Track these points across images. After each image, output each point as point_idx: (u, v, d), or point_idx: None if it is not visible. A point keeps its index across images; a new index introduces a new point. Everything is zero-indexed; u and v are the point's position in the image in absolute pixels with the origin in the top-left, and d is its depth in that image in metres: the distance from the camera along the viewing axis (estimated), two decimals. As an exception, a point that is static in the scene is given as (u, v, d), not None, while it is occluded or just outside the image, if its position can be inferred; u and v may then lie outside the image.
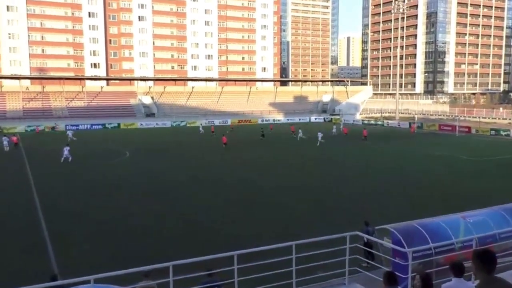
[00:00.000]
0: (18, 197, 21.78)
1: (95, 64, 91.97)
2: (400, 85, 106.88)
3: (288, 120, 75.41)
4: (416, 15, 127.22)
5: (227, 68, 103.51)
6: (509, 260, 8.58)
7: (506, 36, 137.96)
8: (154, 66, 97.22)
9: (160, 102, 77.19)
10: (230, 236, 15.41)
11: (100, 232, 16.05)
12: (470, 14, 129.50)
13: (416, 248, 8.40)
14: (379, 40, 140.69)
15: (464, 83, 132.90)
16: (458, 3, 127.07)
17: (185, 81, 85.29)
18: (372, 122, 72.18)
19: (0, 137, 40.53)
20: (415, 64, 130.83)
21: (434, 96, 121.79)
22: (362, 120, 75.25)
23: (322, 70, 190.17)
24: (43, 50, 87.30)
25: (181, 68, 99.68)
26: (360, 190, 22.90)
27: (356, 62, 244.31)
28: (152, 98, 77.05)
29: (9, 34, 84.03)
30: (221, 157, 35.05)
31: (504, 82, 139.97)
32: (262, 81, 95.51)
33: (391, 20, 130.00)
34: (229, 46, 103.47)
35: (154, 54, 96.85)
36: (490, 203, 13.21)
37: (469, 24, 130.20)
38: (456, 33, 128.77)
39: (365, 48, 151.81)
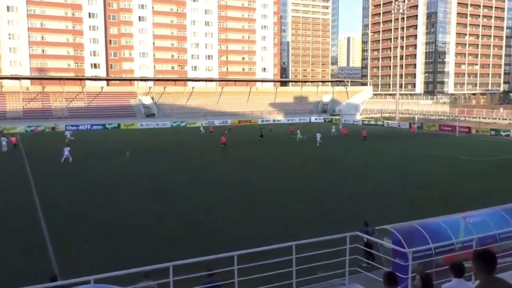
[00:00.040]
0: (18, 197, 21.78)
1: (95, 65, 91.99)
2: (400, 86, 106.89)
3: (288, 120, 75.42)
4: (416, 16, 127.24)
5: (227, 68, 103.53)
6: (509, 261, 8.57)
7: (506, 36, 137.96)
8: (154, 66, 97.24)
9: (160, 102, 77.20)
10: (230, 236, 15.41)
11: (100, 232, 16.05)
12: (470, 14, 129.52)
13: (416, 249, 8.40)
14: (379, 40, 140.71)
15: (464, 84, 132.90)
16: (458, 3, 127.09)
17: (185, 82, 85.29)
18: (372, 122, 72.17)
19: None
20: (415, 65, 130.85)
21: (434, 97, 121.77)
22: (362, 120, 75.23)
23: (322, 70, 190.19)
24: (43, 50, 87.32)
25: (181, 68, 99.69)
26: (360, 190, 22.90)
27: (356, 62, 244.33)
28: (152, 98, 77.07)
29: (9, 34, 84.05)
30: (221, 157, 35.07)
31: (504, 82, 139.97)
32: (262, 81, 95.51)
33: (391, 21, 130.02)
34: (229, 47, 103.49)
35: (154, 54, 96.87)
36: (490, 203, 13.21)
37: (469, 24, 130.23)
38: (456, 33, 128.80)
39: (365, 48, 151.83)
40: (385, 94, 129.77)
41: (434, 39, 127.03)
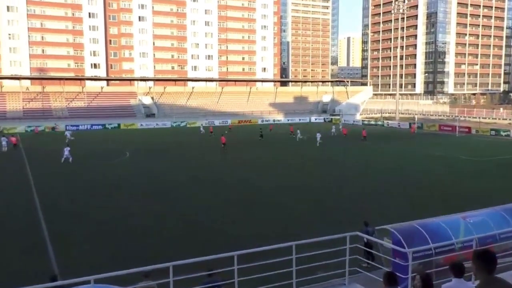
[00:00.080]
0: (18, 197, 21.78)
1: (95, 65, 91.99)
2: (400, 86, 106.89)
3: (288, 120, 75.41)
4: (416, 16, 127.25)
5: (227, 68, 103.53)
6: (510, 261, 8.57)
7: (506, 36, 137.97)
8: (154, 66, 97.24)
9: (160, 102, 77.20)
10: (230, 236, 15.42)
11: (100, 232, 16.05)
12: (470, 15, 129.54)
13: (416, 249, 8.40)
14: (379, 40, 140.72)
15: (464, 84, 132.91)
16: (458, 3, 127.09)
17: (185, 82, 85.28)
18: (372, 122, 72.17)
19: None
20: (415, 65, 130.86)
21: (434, 97, 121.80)
22: (362, 120, 75.21)
23: (322, 70, 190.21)
24: (43, 50, 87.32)
25: (181, 68, 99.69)
26: (360, 190, 22.90)
27: (356, 62, 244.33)
28: (152, 98, 77.07)
29: (9, 34, 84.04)
30: (221, 157, 35.07)
31: (504, 83, 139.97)
32: (262, 81, 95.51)
33: (391, 21, 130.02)
34: (229, 47, 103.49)
35: (154, 54, 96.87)
36: (490, 203, 13.21)
37: (469, 24, 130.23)
38: (456, 33, 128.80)
39: (365, 48, 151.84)
40: (385, 94, 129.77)
41: (434, 39, 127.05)
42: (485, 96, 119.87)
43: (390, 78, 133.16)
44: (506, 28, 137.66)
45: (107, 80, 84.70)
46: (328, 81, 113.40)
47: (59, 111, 68.38)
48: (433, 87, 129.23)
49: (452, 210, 12.92)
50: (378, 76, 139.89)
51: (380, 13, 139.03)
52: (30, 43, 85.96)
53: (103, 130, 62.36)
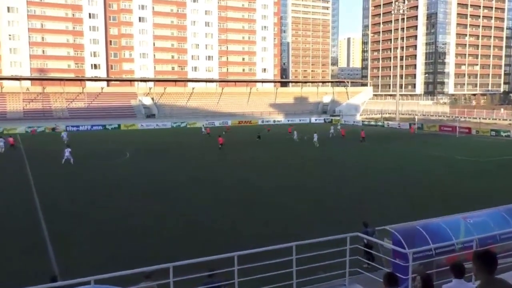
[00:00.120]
0: (18, 197, 21.77)
1: (95, 65, 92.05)
2: (400, 86, 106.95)
3: (288, 121, 75.41)
4: (416, 16, 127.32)
5: (227, 69, 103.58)
6: (510, 261, 8.56)
7: (506, 37, 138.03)
8: (155, 67, 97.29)
9: (160, 103, 77.23)
10: (230, 236, 15.41)
11: (100, 232, 16.05)
12: (470, 15, 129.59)
13: (416, 249, 8.39)
14: (379, 41, 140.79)
15: (464, 84, 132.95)
16: (458, 4, 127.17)
17: (186, 82, 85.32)
18: (373, 123, 72.16)
19: None
20: (415, 65, 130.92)
21: (435, 97, 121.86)
22: (362, 121, 75.20)
23: (323, 71, 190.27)
24: (43, 51, 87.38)
25: (182, 69, 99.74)
26: (360, 190, 22.90)
27: (356, 63, 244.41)
28: (153, 99, 77.10)
29: (10, 35, 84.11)
30: (221, 157, 35.06)
31: (505, 83, 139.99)
32: (262, 82, 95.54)
33: (391, 21, 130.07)
34: (229, 47, 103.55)
35: (154, 55, 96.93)
36: (490, 204, 13.21)
37: (469, 25, 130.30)
38: (456, 34, 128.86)
39: (365, 49, 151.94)
40: (385, 95, 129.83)
41: (434, 40, 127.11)
42: (485, 97, 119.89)
43: (390, 79, 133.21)
44: (506, 28, 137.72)
45: (108, 80, 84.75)
46: (328, 82, 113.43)
47: (59, 112, 68.41)
48: (433, 88, 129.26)
49: (452, 210, 12.91)
50: (378, 76, 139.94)
51: (380, 14, 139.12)
52: (31, 44, 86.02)
53: (104, 131, 62.37)
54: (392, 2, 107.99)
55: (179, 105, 77.61)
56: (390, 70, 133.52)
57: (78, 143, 42.70)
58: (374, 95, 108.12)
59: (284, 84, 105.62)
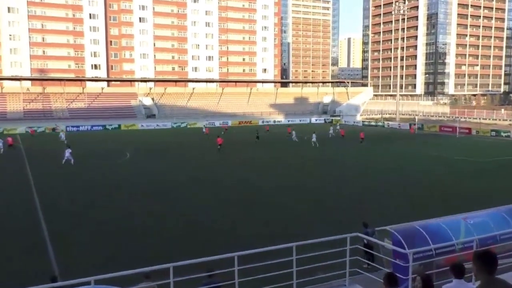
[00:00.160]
0: (18, 197, 21.78)
1: (95, 66, 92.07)
2: (401, 86, 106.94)
3: (288, 121, 75.38)
4: (417, 17, 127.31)
5: (227, 69, 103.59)
6: (510, 262, 8.55)
7: (507, 37, 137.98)
8: (155, 67, 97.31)
9: (160, 103, 77.24)
10: (230, 236, 15.41)
11: (100, 232, 16.05)
12: (471, 15, 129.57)
13: (416, 250, 8.38)
14: (379, 41, 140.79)
15: (464, 84, 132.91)
16: (458, 4, 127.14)
17: (186, 82, 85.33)
18: (373, 123, 72.16)
19: None
20: (415, 65, 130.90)
21: (435, 97, 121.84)
22: (362, 121, 75.19)
23: (323, 71, 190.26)
24: (43, 51, 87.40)
25: (182, 69, 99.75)
26: (360, 190, 22.90)
27: (357, 63, 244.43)
28: (153, 99, 77.11)
29: (10, 35, 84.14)
30: (221, 157, 35.04)
31: (505, 83, 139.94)
32: (262, 82, 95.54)
33: (391, 21, 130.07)
34: (229, 47, 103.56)
35: (154, 55, 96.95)
36: (490, 204, 13.20)
37: (470, 25, 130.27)
38: (457, 34, 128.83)
39: (365, 49, 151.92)
40: (385, 95, 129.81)
41: (434, 40, 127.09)
42: (485, 97, 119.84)
43: (390, 79, 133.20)
44: (507, 29, 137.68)
45: (108, 81, 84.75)
46: (329, 82, 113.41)
47: (59, 112, 68.43)
48: (433, 88, 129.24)
49: (452, 210, 12.91)
50: (379, 77, 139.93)
51: (380, 14, 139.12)
52: (31, 44, 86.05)
53: (104, 131, 62.38)
54: (392, 3, 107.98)
55: (179, 106, 77.61)
56: (390, 70, 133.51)
57: (78, 143, 42.67)
58: (374, 95, 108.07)
59: (284, 84, 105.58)
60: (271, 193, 22.48)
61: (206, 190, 23.15)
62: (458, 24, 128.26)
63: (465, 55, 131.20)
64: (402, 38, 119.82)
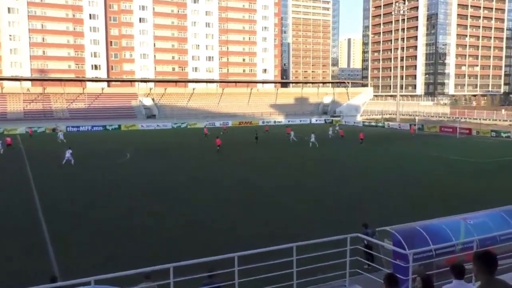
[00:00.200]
0: (18, 197, 21.78)
1: (96, 66, 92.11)
2: (401, 87, 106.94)
3: (288, 121, 75.37)
4: (417, 17, 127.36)
5: (227, 69, 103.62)
6: (510, 262, 8.55)
7: (507, 38, 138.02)
8: (155, 67, 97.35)
9: (161, 103, 77.26)
10: (230, 236, 15.41)
11: (100, 232, 16.04)
12: (471, 16, 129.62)
13: (416, 250, 8.38)
14: (379, 41, 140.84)
15: (464, 85, 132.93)
16: (458, 5, 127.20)
17: (186, 83, 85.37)
18: (373, 123, 72.16)
19: None
20: (415, 66, 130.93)
21: (435, 98, 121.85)
22: (362, 121, 75.18)
23: (323, 71, 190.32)
24: (44, 51, 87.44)
25: (182, 69, 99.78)
26: (360, 190, 22.90)
27: (357, 63, 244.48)
28: (153, 99, 77.13)
29: (10, 35, 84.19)
30: (221, 157, 35.04)
31: (505, 84, 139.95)
32: (263, 82, 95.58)
33: (391, 22, 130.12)
34: (230, 48, 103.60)
35: (155, 55, 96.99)
36: (490, 204, 13.20)
37: (470, 25, 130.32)
38: (457, 34, 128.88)
39: (365, 49, 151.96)
40: (385, 96, 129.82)
41: (434, 41, 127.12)
42: (485, 98, 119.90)
43: (390, 79, 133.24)
44: (507, 29, 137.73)
45: (108, 81, 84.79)
46: (329, 82, 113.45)
47: (59, 112, 68.45)
48: (433, 89, 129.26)
49: (452, 210, 12.91)
50: (379, 77, 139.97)
51: (380, 15, 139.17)
52: (31, 45, 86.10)
53: (104, 131, 62.38)
54: (392, 3, 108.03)
55: (179, 106, 77.63)
56: (390, 70, 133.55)
57: (79, 144, 42.67)
58: (374, 95, 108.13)
59: (284, 84, 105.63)
60: (271, 193, 22.48)
61: (206, 190, 23.14)
62: (458, 24, 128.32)
63: (465, 55, 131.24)
64: (402, 39, 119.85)
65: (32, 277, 11.03)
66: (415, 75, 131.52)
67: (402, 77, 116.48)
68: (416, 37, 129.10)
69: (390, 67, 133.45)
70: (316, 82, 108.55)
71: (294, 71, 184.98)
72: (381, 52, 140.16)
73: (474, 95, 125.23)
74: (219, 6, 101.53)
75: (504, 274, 6.96)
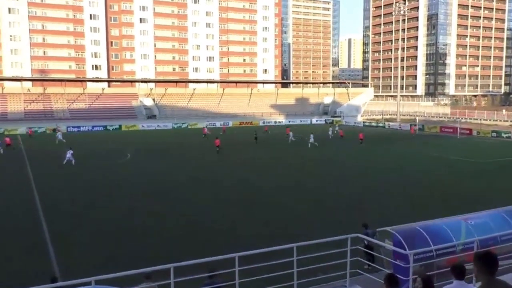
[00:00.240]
0: (18, 197, 21.79)
1: (96, 66, 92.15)
2: (401, 87, 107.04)
3: (289, 122, 75.38)
4: (417, 17, 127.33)
5: (228, 70, 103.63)
6: (511, 263, 8.53)
7: (507, 38, 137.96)
8: (156, 68, 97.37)
9: (161, 104, 77.29)
10: (230, 236, 15.41)
11: (100, 232, 16.05)
12: (471, 16, 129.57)
13: (417, 250, 8.37)
14: (380, 42, 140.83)
15: (465, 85, 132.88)
16: (459, 5, 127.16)
17: (186, 83, 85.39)
18: (374, 124, 72.14)
19: None
20: (416, 66, 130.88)
21: (435, 98, 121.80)
22: (363, 122, 75.15)
23: (323, 72, 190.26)
24: (44, 52, 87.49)
25: (182, 70, 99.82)
26: (360, 190, 22.89)
27: (357, 64, 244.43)
28: (154, 100, 77.16)
29: (11, 36, 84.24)
30: (221, 158, 35.05)
31: (505, 84, 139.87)
32: (263, 83, 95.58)
33: (392, 22, 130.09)
34: (230, 48, 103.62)
35: (155, 56, 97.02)
36: (490, 204, 13.19)
37: (470, 26, 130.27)
38: (457, 35, 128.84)
39: (366, 50, 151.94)
40: (386, 96, 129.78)
41: (435, 41, 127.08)
42: (486, 98, 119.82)
43: (391, 80, 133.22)
44: (507, 29, 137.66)
45: (108, 81, 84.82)
46: (329, 83, 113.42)
47: (60, 113, 68.48)
48: (434, 89, 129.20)
49: (452, 210, 12.90)
50: (379, 77, 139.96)
51: (381, 15, 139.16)
52: (31, 45, 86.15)
53: (104, 132, 62.41)
54: (393, 3, 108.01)
55: (180, 106, 77.64)
56: (391, 71, 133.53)
57: (79, 144, 42.66)
58: (375, 96, 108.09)
59: (285, 85, 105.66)
60: (271, 193, 22.48)
61: (206, 190, 23.15)
62: (458, 25, 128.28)
63: (466, 55, 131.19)
64: (403, 39, 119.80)
65: (33, 277, 11.03)
66: (416, 76, 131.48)
67: (402, 78, 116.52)
68: (416, 37, 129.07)
69: (391, 67, 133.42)
70: (317, 83, 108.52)
71: (294, 72, 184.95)
72: (381, 53, 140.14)
73: (475, 96, 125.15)
74: (220, 7, 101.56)
75: (505, 274, 6.95)
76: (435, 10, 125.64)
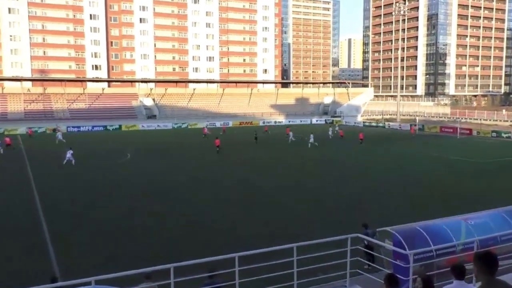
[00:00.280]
0: (18, 197, 21.79)
1: (96, 66, 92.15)
2: (401, 87, 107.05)
3: (289, 122, 75.39)
4: (417, 17, 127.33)
5: (228, 70, 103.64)
6: (511, 263, 8.53)
7: (507, 38, 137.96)
8: (156, 68, 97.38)
9: (161, 104, 77.29)
10: (230, 236, 15.41)
11: (100, 232, 16.05)
12: (471, 16, 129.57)
13: (417, 250, 8.37)
14: (380, 42, 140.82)
15: (465, 85, 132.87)
16: (459, 5, 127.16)
17: (186, 83, 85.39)
18: (374, 124, 72.14)
19: None
20: (416, 66, 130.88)
21: (435, 98, 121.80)
22: (363, 122, 75.15)
23: (323, 72, 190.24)
24: (44, 52, 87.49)
25: (183, 70, 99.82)
26: (360, 190, 22.89)
27: (357, 64, 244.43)
28: (154, 100, 77.16)
29: (11, 36, 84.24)
30: (221, 158, 35.05)
31: (505, 84, 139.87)
32: (263, 83, 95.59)
33: (392, 22, 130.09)
34: (230, 48, 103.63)
35: (155, 56, 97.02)
36: (491, 204, 13.19)
37: (470, 26, 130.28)
38: (457, 35, 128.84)
39: (366, 50, 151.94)
40: (386, 96, 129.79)
41: (435, 41, 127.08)
42: (486, 98, 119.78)
43: (391, 80, 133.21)
44: (507, 29, 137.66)
45: (108, 81, 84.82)
46: (329, 83, 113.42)
47: (60, 113, 68.48)
48: (434, 89, 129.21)
49: (452, 210, 12.91)
50: (379, 77, 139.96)
51: (381, 15, 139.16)
52: (31, 45, 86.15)
53: (105, 132, 62.41)
54: (393, 3, 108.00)
55: (180, 106, 77.64)
56: (391, 71, 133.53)
57: (79, 144, 42.64)
58: (375, 96, 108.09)
59: (285, 85, 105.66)
60: (271, 193, 22.48)
61: (206, 190, 23.15)
62: (458, 25, 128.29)
63: (466, 55, 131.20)
64: (403, 39, 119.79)
65: (33, 277, 11.03)
66: (416, 76, 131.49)
67: (402, 78, 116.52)
68: (416, 37, 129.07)
69: (391, 67, 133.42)
70: (317, 83, 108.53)
71: (294, 72, 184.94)
72: (381, 53, 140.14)
73: (475, 96, 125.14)
74: (220, 7, 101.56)
75: (505, 274, 6.95)
76: (435, 10, 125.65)
